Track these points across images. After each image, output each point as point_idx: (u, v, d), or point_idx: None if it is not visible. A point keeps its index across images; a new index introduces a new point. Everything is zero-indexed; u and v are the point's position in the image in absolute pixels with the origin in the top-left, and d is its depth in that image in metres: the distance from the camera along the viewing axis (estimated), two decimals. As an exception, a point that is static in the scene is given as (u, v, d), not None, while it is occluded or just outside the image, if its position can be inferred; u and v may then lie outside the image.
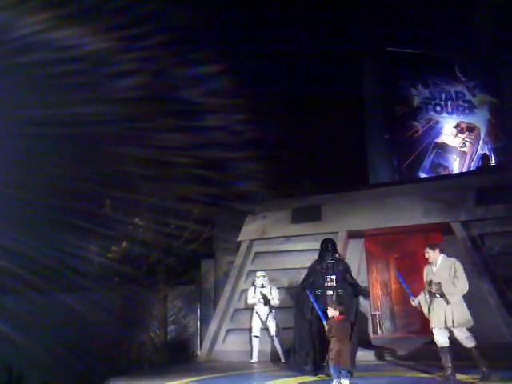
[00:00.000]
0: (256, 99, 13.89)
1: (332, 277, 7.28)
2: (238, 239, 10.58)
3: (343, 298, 6.95)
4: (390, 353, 8.52)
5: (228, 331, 9.57)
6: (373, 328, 10.12)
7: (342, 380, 5.69)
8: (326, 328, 6.08)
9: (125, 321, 10.20)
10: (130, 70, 10.98)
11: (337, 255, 7.63)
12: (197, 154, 10.77)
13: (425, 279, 6.35)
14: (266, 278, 9.07)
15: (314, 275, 7.44)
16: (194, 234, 10.32)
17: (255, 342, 8.78)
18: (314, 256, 9.73)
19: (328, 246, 7.63)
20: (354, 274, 9.79)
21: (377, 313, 10.80)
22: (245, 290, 9.86)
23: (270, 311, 8.83)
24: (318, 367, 6.81)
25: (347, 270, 7.50)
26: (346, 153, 14.16)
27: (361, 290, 7.41)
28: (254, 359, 8.67)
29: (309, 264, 8.69)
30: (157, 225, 10.22)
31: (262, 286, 8.99)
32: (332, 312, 6.17)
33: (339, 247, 9.73)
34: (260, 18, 14.85)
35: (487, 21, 14.81)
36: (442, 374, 6.08)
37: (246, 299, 9.26)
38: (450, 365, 5.94)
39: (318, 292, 7.15)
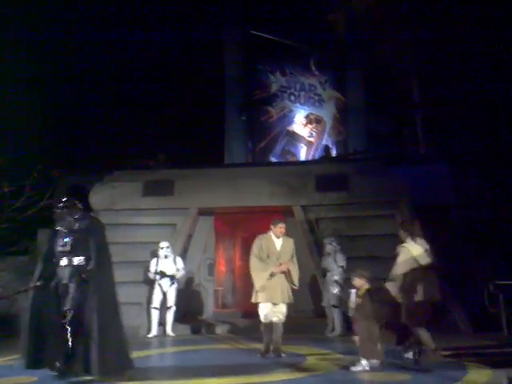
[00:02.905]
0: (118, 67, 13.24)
1: (66, 240, 5.09)
2: (83, 209, 9.95)
3: (84, 270, 4.98)
4: (229, 326, 9.01)
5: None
6: (215, 302, 10.53)
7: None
8: (354, 306, 5.32)
9: None
10: None
11: (78, 206, 5.24)
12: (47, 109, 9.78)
13: (263, 250, 6.16)
14: (169, 249, 8.84)
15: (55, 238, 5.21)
16: (31, 199, 9.39)
17: (155, 314, 8.54)
18: (165, 231, 9.77)
19: (66, 196, 5.26)
20: (200, 250, 10.18)
21: (220, 288, 11.24)
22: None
23: (173, 283, 8.68)
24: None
25: (95, 231, 5.23)
26: (204, 130, 14.26)
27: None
28: (153, 333, 8.41)
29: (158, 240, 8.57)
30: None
31: (166, 257, 8.74)
32: (358, 282, 5.27)
33: (189, 223, 9.88)
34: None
35: (339, 22, 16.07)
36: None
37: (147, 271, 8.91)
38: (267, 339, 6.11)
39: (54, 261, 5.13)
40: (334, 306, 8.21)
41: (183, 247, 9.79)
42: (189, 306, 9.75)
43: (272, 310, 6.10)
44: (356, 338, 5.38)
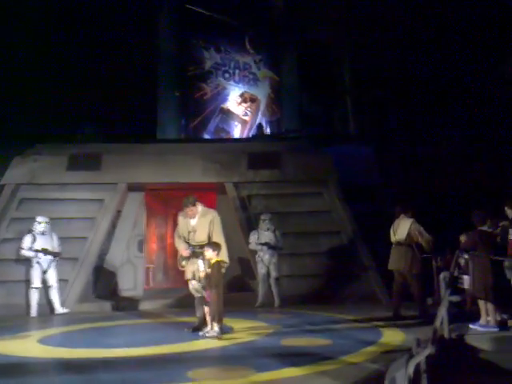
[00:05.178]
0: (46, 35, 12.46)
1: None
2: (1, 182, 9.36)
3: None
4: (160, 302, 8.94)
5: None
6: (146, 280, 10.40)
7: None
8: (203, 275, 5.61)
9: None
10: None
11: None
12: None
13: (180, 226, 6.15)
14: (48, 225, 8.31)
15: None
16: None
17: (35, 294, 8.05)
18: (92, 206, 9.44)
19: None
20: (130, 227, 9.95)
21: (151, 265, 11.11)
22: (7, 240, 8.87)
23: (53, 260, 8.23)
24: None
25: None
26: (135, 105, 13.80)
27: None
28: (34, 313, 7.99)
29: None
30: None
31: (43, 234, 8.25)
32: (210, 253, 5.63)
33: (117, 198, 9.59)
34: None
35: (276, 3, 16.11)
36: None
37: (20, 247, 8.27)
38: (198, 314, 6.03)
39: None
40: (276, 279, 8.52)
41: (111, 223, 9.51)
42: (118, 283, 9.54)
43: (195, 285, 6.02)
44: None
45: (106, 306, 8.60)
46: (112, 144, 10.28)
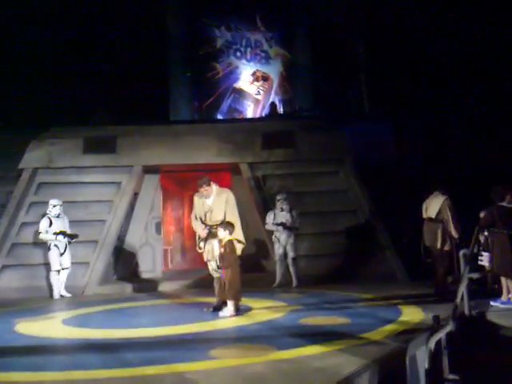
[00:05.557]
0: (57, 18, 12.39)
1: None
2: (19, 167, 9.44)
3: None
4: (179, 283, 9.05)
5: (4, 267, 8.70)
6: (164, 261, 10.53)
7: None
8: (219, 254, 5.71)
9: None
10: None
11: None
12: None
13: (197, 208, 6.21)
14: (61, 208, 8.41)
15: None
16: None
17: (56, 277, 8.19)
18: (109, 189, 9.52)
19: None
20: (147, 209, 10.02)
21: (168, 247, 11.23)
22: (27, 223, 9.03)
23: (69, 242, 8.34)
24: None
25: None
26: (148, 86, 13.74)
27: None
28: (56, 295, 8.16)
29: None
30: None
31: (58, 216, 8.35)
32: (222, 233, 5.71)
33: (134, 181, 9.65)
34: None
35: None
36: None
37: (38, 231, 8.36)
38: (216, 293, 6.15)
39: None
40: (293, 258, 8.51)
41: (129, 206, 9.59)
42: (137, 264, 9.68)
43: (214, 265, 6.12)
44: None
45: (127, 287, 8.75)
46: (126, 126, 10.28)
